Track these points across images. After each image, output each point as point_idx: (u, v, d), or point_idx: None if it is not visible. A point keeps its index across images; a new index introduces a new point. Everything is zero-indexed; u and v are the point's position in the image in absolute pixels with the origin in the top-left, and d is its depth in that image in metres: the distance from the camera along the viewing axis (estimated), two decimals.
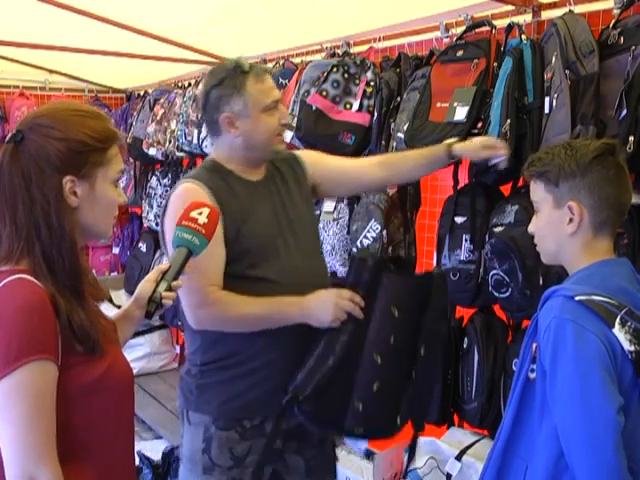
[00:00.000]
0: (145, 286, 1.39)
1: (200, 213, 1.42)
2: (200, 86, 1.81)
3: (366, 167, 1.99)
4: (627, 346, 1.25)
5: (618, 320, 1.26)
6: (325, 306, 1.69)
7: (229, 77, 1.73)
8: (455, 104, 2.13)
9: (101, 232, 1.30)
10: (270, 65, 3.28)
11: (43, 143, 1.18)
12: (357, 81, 2.59)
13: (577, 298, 1.28)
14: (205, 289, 1.69)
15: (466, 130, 2.07)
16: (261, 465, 1.81)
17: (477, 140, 1.88)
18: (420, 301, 1.75)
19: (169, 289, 1.37)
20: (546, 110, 1.91)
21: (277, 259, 1.78)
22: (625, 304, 1.27)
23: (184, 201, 1.65)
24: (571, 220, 1.36)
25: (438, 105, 2.20)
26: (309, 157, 1.98)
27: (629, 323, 1.25)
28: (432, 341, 1.78)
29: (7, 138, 1.21)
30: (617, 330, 1.25)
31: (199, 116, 3.51)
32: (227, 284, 1.73)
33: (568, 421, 1.25)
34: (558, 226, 1.38)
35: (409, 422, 1.81)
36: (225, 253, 1.72)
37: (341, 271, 2.59)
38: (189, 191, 1.73)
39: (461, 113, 2.11)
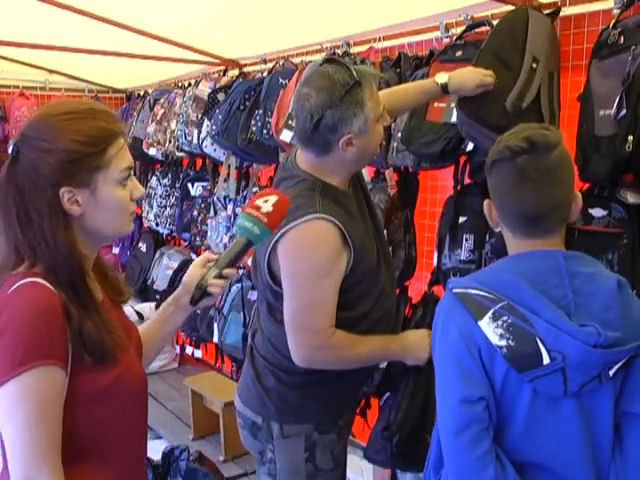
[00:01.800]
0: (192, 271, 1.35)
1: (266, 201, 1.33)
2: (305, 103, 1.59)
3: None
4: (496, 341, 1.21)
5: (490, 314, 1.22)
6: (424, 344, 1.73)
7: (348, 94, 1.55)
8: (452, 105, 2.12)
9: (115, 232, 1.26)
10: (270, 65, 3.29)
11: (34, 157, 1.14)
12: None
13: (454, 291, 1.29)
14: (327, 331, 1.63)
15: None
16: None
17: (471, 82, 1.81)
18: None
19: (219, 277, 1.32)
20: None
21: (382, 280, 1.73)
22: (503, 298, 1.22)
23: (321, 243, 1.59)
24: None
25: (435, 105, 2.20)
26: None
27: (504, 317, 1.21)
28: None
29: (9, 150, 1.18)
30: (485, 324, 1.22)
31: (199, 116, 3.52)
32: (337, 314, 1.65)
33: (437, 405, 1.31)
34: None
35: None
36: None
37: None
38: (326, 233, 1.58)
39: None
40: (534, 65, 1.92)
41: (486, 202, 1.37)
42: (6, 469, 1.11)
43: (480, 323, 1.23)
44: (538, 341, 1.19)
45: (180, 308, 1.39)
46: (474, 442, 1.21)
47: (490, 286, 1.25)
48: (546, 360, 1.18)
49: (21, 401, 1.08)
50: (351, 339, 1.66)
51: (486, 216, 1.38)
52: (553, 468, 1.24)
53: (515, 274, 1.25)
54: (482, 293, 1.25)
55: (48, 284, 1.13)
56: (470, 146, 2.13)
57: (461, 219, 2.22)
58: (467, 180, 2.27)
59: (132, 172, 1.24)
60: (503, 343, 1.21)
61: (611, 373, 1.21)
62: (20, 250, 1.17)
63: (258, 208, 1.33)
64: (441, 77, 1.84)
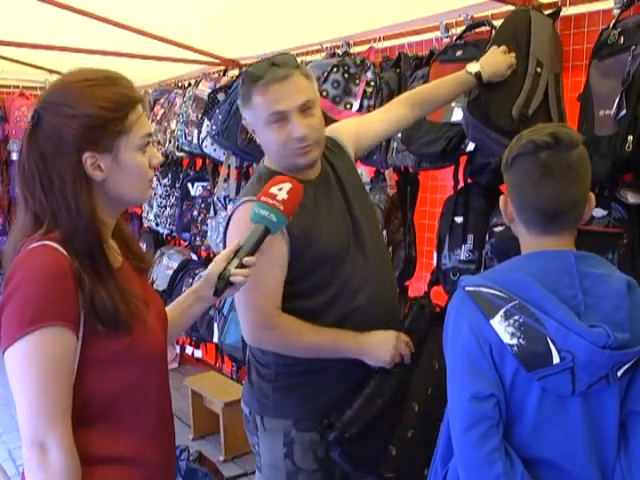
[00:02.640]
0: (215, 264, 1.37)
1: (280, 189, 1.36)
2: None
3: (396, 115, 1.90)
4: (507, 339, 1.22)
5: (501, 313, 1.22)
6: (385, 346, 1.69)
7: (243, 84, 1.65)
8: (453, 104, 2.13)
9: (135, 199, 1.28)
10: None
11: (57, 122, 1.15)
12: (357, 81, 2.59)
13: (466, 288, 1.29)
14: (270, 311, 1.63)
15: (463, 130, 2.07)
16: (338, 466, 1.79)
17: (502, 64, 1.87)
18: None
19: (241, 266, 1.33)
20: None
21: (348, 271, 1.69)
22: (515, 298, 1.23)
23: (239, 224, 1.59)
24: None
25: None
26: (347, 135, 1.85)
27: (516, 317, 1.21)
28: None
29: (29, 119, 1.19)
30: (496, 322, 1.23)
31: (199, 116, 3.52)
32: (295, 303, 1.65)
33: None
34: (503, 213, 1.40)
35: None
36: (287, 273, 1.64)
37: None
38: (245, 214, 1.54)
39: (458, 114, 2.11)
40: (538, 70, 1.92)
41: (502, 197, 1.37)
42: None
43: (492, 322, 1.23)
44: (549, 341, 1.19)
45: (200, 300, 1.41)
46: (483, 438, 1.22)
47: (502, 285, 1.25)
48: (556, 360, 1.19)
49: (31, 361, 1.08)
50: (299, 325, 1.65)
51: (501, 211, 1.38)
52: (561, 465, 1.25)
53: (526, 273, 1.26)
54: (494, 292, 1.25)
55: (61, 248, 1.13)
56: (471, 146, 2.13)
57: (460, 219, 2.22)
58: (463, 180, 2.28)
59: (151, 139, 1.26)
60: (514, 342, 1.21)
61: (619, 374, 1.21)
62: (40, 216, 1.17)
63: (273, 196, 1.35)
64: (473, 67, 1.86)
